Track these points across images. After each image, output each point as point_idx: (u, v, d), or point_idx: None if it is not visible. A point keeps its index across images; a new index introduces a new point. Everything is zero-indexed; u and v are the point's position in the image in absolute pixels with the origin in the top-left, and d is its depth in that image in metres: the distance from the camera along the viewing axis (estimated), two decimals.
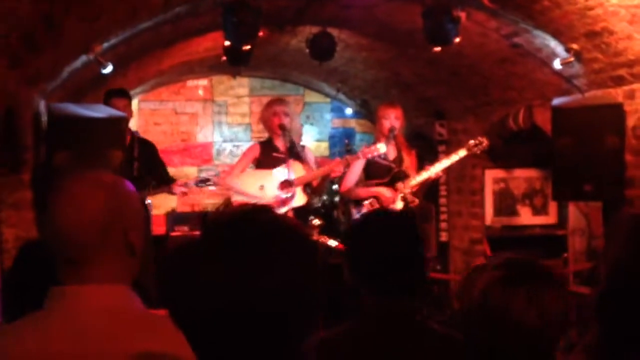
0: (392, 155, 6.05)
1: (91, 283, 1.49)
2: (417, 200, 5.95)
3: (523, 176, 7.19)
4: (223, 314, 1.18)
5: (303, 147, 6.27)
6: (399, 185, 5.91)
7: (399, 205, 5.91)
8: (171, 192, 6.13)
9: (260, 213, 1.28)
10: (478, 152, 6.07)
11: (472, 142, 6.04)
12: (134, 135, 6.17)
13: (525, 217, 7.18)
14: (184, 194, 6.24)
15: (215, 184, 6.32)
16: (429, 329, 2.26)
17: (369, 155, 5.93)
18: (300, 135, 7.94)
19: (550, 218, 7.11)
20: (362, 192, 6.09)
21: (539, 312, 1.72)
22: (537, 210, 7.17)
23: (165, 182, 6.03)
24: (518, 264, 1.82)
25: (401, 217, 2.75)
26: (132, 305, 1.53)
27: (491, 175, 7.20)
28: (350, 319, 2.29)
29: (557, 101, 5.23)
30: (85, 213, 1.49)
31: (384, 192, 5.94)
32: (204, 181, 6.25)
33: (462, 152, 6.02)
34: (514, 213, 7.20)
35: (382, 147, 5.87)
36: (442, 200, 7.94)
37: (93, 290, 1.49)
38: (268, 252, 1.22)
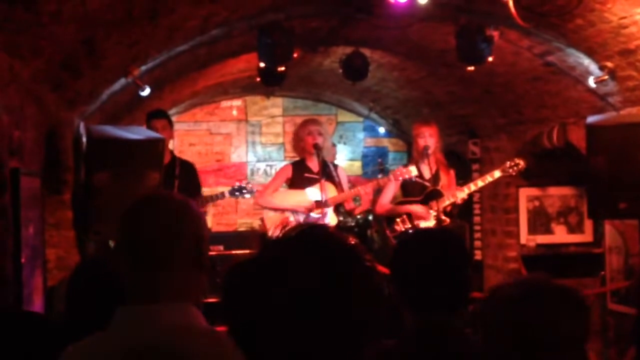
0: (427, 173, 6.04)
1: (163, 300, 1.52)
2: (448, 220, 5.95)
3: (557, 194, 7.14)
4: (285, 331, 1.21)
5: (336, 166, 6.28)
6: (433, 204, 5.90)
7: (431, 223, 5.91)
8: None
9: (319, 231, 1.31)
10: (514, 173, 6.04)
11: (508, 163, 6.01)
12: (174, 155, 6.16)
13: (561, 235, 7.12)
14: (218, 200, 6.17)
15: (250, 192, 6.18)
16: (472, 342, 2.26)
17: (400, 178, 5.94)
18: (334, 154, 7.94)
19: (586, 236, 7.03)
20: (395, 209, 6.10)
21: (554, 328, 1.75)
22: (573, 229, 7.10)
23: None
24: (532, 283, 1.85)
25: (447, 233, 2.76)
26: (199, 323, 1.55)
27: (525, 194, 7.15)
28: (393, 335, 2.30)
29: (591, 119, 5.20)
30: (162, 229, 1.53)
31: (417, 209, 5.95)
32: (240, 190, 6.13)
33: (497, 174, 6.01)
34: (548, 231, 7.14)
35: (413, 170, 5.89)
36: (476, 219, 7.91)
37: (162, 309, 1.51)
38: (330, 268, 1.25)
